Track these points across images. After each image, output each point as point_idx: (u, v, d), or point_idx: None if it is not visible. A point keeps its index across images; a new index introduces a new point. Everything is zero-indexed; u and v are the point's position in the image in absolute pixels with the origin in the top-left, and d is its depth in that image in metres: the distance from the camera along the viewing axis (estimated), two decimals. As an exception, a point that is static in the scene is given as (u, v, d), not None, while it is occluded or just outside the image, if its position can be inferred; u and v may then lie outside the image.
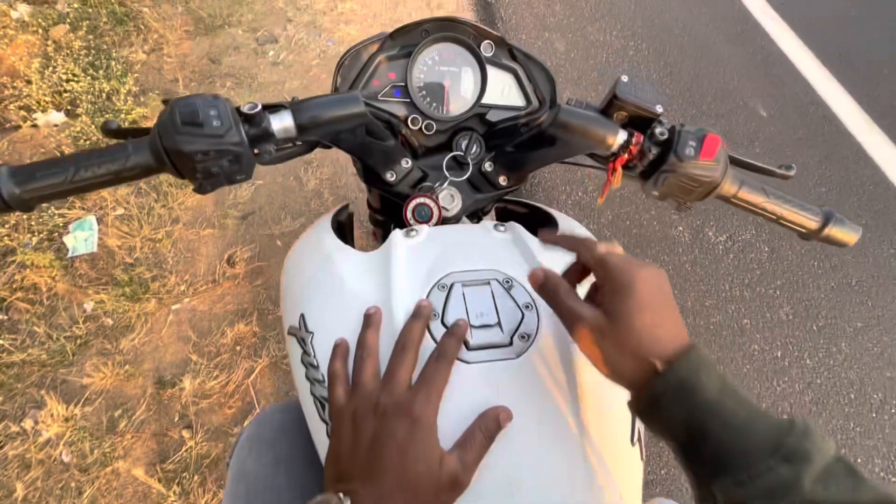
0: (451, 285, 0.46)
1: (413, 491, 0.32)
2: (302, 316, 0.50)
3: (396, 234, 0.53)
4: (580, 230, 0.70)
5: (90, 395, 1.32)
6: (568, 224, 0.69)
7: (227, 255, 1.61)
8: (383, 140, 0.58)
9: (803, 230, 0.57)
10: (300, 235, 0.66)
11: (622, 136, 0.52)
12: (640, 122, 0.53)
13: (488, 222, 0.58)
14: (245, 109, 0.46)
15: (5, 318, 1.43)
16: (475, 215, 0.73)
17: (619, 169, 0.54)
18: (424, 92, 0.66)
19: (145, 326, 1.45)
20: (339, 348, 0.43)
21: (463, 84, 0.66)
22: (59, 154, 1.73)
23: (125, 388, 1.34)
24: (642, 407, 0.34)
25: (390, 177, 0.60)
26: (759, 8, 2.83)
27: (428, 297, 0.45)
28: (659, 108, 0.52)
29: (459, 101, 0.67)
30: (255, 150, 0.48)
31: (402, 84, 0.65)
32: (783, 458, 0.28)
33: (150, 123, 1.84)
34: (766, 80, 2.45)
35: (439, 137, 0.67)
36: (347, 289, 0.49)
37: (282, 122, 0.48)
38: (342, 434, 0.36)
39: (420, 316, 0.42)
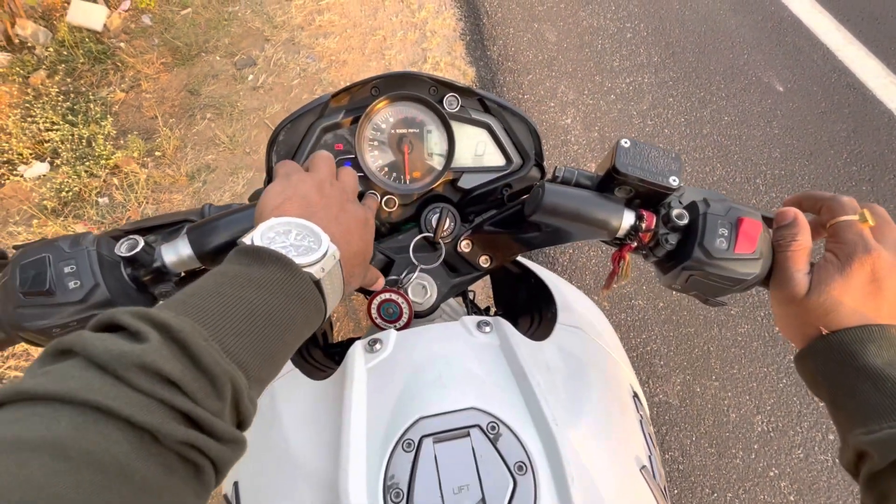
0: (420, 442, 0.36)
1: (361, 259, 0.40)
2: (235, 485, 0.40)
3: (356, 351, 0.43)
4: (573, 295, 0.59)
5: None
6: (561, 289, 0.58)
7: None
8: None
9: None
10: None
11: (628, 217, 0.41)
12: (650, 197, 0.42)
13: (468, 319, 0.47)
14: (122, 251, 0.36)
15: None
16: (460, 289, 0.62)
17: (628, 258, 0.43)
18: (381, 162, 0.55)
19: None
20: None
21: (427, 148, 0.55)
22: None
23: None
24: (797, 358, 0.37)
25: None
26: (766, -31, 2.61)
27: (389, 465, 0.35)
28: (674, 181, 0.40)
29: (424, 168, 0.56)
30: (152, 292, 0.39)
31: (352, 156, 0.54)
32: None
33: (132, 168, 1.73)
34: (779, 49, 2.25)
35: (404, 211, 0.57)
36: (290, 450, 0.39)
37: (177, 254, 0.38)
38: (312, 196, 0.38)
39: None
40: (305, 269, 0.31)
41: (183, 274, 0.41)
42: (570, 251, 1.67)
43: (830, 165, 1.85)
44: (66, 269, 0.34)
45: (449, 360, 0.42)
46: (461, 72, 2.21)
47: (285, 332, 0.29)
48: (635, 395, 0.50)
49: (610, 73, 2.18)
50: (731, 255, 0.38)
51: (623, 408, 0.46)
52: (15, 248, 0.36)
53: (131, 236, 0.38)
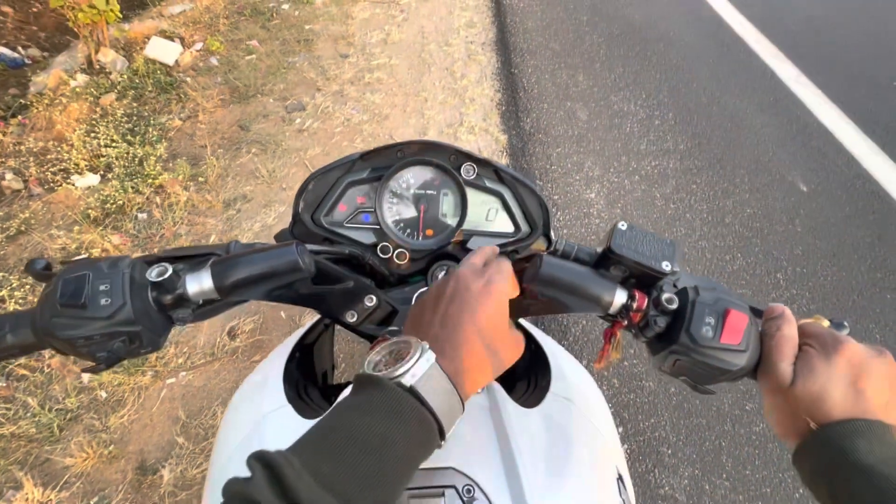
0: None
1: (482, 344, 0.36)
2: None
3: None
4: (570, 366, 0.60)
5: (70, 478, 1.25)
6: (558, 358, 0.59)
7: (228, 327, 1.57)
8: (339, 282, 0.50)
9: None
10: (256, 367, 0.59)
11: (620, 296, 0.43)
12: (644, 279, 0.44)
13: None
14: (152, 276, 0.40)
15: (4, 385, 1.41)
16: None
17: (619, 335, 0.45)
18: (397, 217, 0.60)
19: (138, 401, 1.40)
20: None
21: (441, 209, 0.60)
22: None
23: (106, 473, 1.27)
24: (794, 456, 0.37)
25: (351, 317, 0.51)
26: (793, 77, 2.75)
27: None
28: (666, 266, 0.42)
29: (437, 227, 0.60)
30: (170, 315, 0.42)
31: (372, 209, 0.59)
32: None
33: (175, 190, 1.83)
34: (804, 152, 2.32)
35: (414, 266, 0.60)
36: None
37: (199, 285, 0.42)
38: (429, 290, 0.40)
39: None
40: (393, 380, 0.30)
41: (201, 302, 0.44)
42: (584, 322, 1.66)
43: (854, 269, 1.83)
44: (101, 288, 0.37)
45: None
46: (493, 137, 2.33)
47: (384, 451, 0.29)
48: (620, 479, 0.49)
49: (636, 155, 2.27)
50: (717, 343, 0.39)
51: (604, 490, 0.46)
52: (62, 262, 0.40)
53: (163, 263, 0.41)
